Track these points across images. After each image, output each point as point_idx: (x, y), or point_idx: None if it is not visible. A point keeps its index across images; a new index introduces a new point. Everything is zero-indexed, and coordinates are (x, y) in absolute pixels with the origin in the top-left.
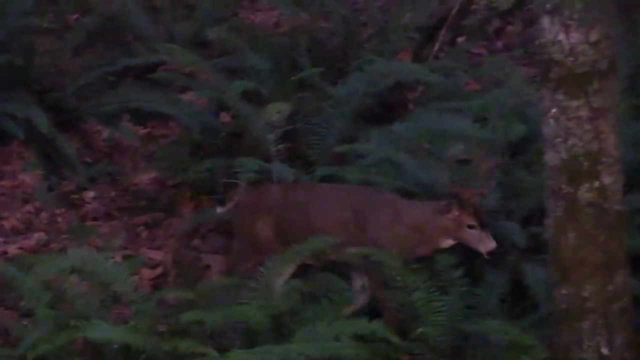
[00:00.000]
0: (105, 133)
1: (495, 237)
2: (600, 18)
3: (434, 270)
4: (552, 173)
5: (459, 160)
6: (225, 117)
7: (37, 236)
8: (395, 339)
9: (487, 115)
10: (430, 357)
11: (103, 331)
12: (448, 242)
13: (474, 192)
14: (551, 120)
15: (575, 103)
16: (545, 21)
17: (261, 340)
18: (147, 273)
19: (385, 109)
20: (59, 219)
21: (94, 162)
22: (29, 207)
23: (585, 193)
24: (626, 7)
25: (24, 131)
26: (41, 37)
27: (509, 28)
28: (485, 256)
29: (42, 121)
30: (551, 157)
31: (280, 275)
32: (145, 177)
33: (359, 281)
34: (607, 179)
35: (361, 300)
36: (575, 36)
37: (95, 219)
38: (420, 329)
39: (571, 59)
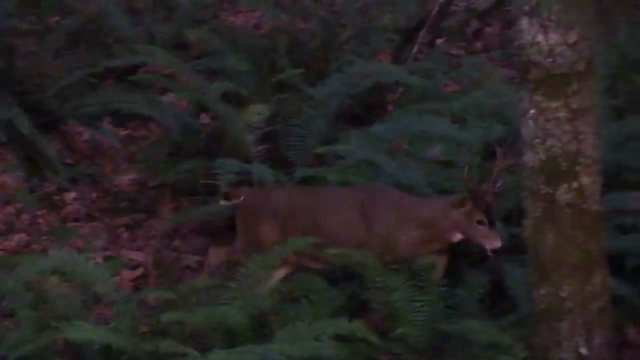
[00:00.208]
0: (86, 134)
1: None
2: (579, 19)
3: (413, 271)
4: (530, 174)
5: (438, 161)
6: (205, 118)
7: (19, 237)
8: (375, 339)
9: (466, 116)
10: (410, 357)
11: (84, 332)
12: (457, 236)
13: (489, 190)
14: (530, 121)
15: (553, 104)
16: (524, 22)
17: (241, 340)
18: (127, 274)
19: (365, 110)
20: (40, 220)
21: (74, 164)
22: (10, 209)
23: (563, 194)
24: (604, 8)
25: (5, 133)
26: (22, 39)
27: (488, 29)
28: (489, 253)
29: (23, 123)
30: (530, 158)
31: (261, 276)
32: (125, 178)
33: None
34: (585, 180)
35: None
36: (554, 37)
37: (76, 220)
38: (400, 329)
39: (550, 60)
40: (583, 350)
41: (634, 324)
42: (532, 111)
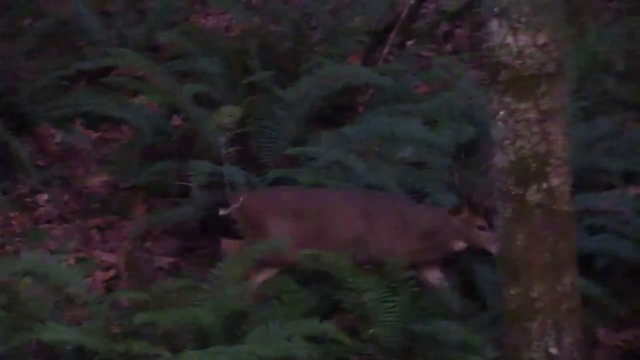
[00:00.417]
0: (58, 137)
1: None
2: (548, 21)
3: (384, 272)
4: (500, 175)
5: (409, 162)
6: (176, 120)
7: None
8: (346, 340)
9: (436, 118)
10: (381, 358)
11: (57, 333)
12: (460, 245)
13: (484, 194)
14: (499, 123)
15: (523, 105)
16: (494, 24)
17: (214, 341)
18: (100, 275)
19: (336, 111)
20: (13, 222)
21: (47, 166)
22: None
23: (533, 194)
24: (573, 9)
25: None
26: None
27: (458, 31)
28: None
29: None
30: (500, 159)
31: (234, 277)
32: (97, 180)
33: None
34: (555, 181)
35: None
36: (523, 39)
37: (48, 221)
38: (371, 330)
39: (519, 61)
40: (553, 350)
41: (604, 324)
42: (501, 112)
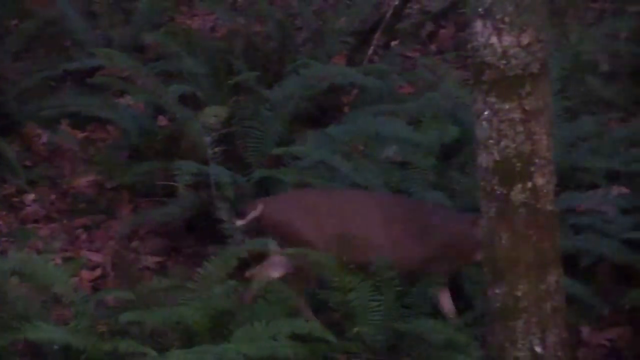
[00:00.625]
0: (45, 137)
1: None
2: (532, 21)
3: (369, 271)
4: (485, 174)
5: (394, 162)
6: (162, 120)
7: None
8: (331, 339)
9: (421, 118)
10: (367, 357)
11: (44, 332)
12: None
13: None
14: (484, 122)
15: (507, 105)
16: (478, 25)
17: (200, 340)
18: (86, 274)
19: (321, 112)
20: (0, 222)
21: (33, 166)
22: None
23: (518, 194)
24: (557, 10)
25: None
26: None
27: (442, 31)
28: None
29: None
30: (484, 159)
31: (220, 277)
32: (84, 180)
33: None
34: (539, 180)
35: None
36: (508, 39)
37: (35, 221)
38: (356, 329)
39: (503, 61)
40: (538, 349)
41: (588, 323)
42: (486, 112)
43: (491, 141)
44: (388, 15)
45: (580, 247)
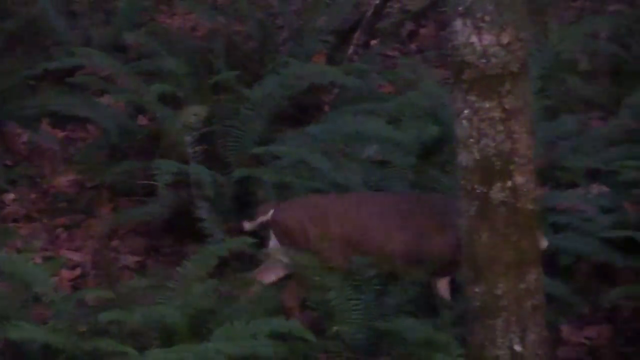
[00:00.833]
0: (25, 136)
1: None
2: (512, 20)
3: (349, 270)
4: (465, 173)
5: (374, 161)
6: (142, 119)
7: None
8: (311, 338)
9: (401, 117)
10: (346, 356)
11: (24, 331)
12: None
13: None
14: (464, 121)
15: (487, 104)
16: (458, 23)
17: (180, 339)
18: (66, 274)
19: (301, 111)
20: None
21: (13, 165)
22: None
23: (497, 193)
24: (536, 8)
25: None
26: None
27: (422, 31)
28: None
29: None
30: (464, 158)
31: (197, 276)
32: (64, 180)
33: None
34: (519, 179)
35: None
36: (488, 38)
37: (15, 220)
38: (335, 328)
39: (483, 60)
40: (517, 348)
41: (568, 321)
42: (466, 111)
43: (471, 140)
44: (368, 14)
45: (559, 246)
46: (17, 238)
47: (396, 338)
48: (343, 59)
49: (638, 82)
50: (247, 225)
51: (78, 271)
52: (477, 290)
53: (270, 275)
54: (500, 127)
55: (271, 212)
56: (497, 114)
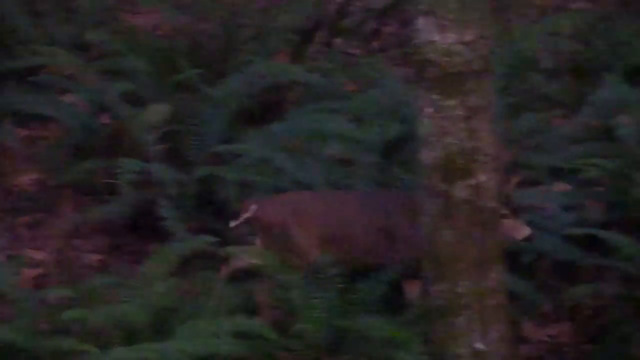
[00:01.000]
0: None
1: None
2: (475, 18)
3: (312, 267)
4: (427, 171)
5: (337, 159)
6: (105, 118)
7: None
8: (272, 336)
9: (364, 115)
10: (308, 354)
11: None
12: None
13: (504, 182)
14: (426, 120)
15: (450, 102)
16: (421, 22)
17: (142, 337)
18: (28, 272)
19: (264, 109)
20: None
21: None
22: None
23: (460, 191)
24: (499, 6)
25: None
26: None
27: (385, 29)
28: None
29: None
30: (426, 156)
31: (159, 274)
32: (26, 178)
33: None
34: (481, 177)
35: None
36: (450, 36)
37: None
38: (297, 326)
39: (446, 59)
40: (479, 345)
41: (530, 319)
42: (428, 109)
43: (434, 138)
44: (331, 13)
45: (522, 244)
46: None
47: (358, 336)
48: (306, 57)
49: (600, 80)
50: (232, 223)
51: (40, 270)
52: (439, 288)
53: (240, 262)
54: (463, 125)
55: (253, 208)
56: (459, 112)
